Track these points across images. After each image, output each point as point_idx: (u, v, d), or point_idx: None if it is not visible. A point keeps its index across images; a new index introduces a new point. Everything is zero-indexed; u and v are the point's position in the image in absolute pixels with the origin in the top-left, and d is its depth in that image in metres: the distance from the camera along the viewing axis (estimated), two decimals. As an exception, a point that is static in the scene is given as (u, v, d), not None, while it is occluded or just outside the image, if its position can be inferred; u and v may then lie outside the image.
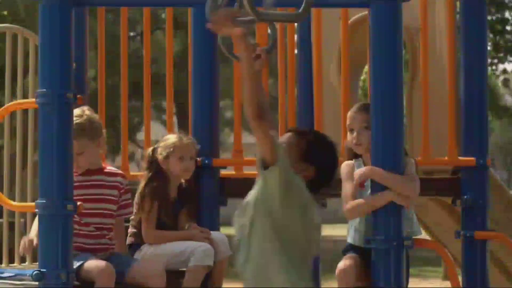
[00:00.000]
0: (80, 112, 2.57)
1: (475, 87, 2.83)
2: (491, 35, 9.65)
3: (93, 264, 2.42)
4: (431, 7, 3.11)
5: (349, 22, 2.98)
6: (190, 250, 2.54)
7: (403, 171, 2.39)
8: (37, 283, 2.27)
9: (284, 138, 2.00)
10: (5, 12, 8.58)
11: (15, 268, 2.71)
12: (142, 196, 2.62)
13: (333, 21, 3.28)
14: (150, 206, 2.59)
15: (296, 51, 3.22)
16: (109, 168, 2.67)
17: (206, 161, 2.72)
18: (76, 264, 2.41)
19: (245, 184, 3.01)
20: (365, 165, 2.49)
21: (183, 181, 2.69)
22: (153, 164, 2.67)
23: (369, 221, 2.44)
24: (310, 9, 1.76)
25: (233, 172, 2.98)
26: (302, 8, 1.75)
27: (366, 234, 2.47)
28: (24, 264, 2.83)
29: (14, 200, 2.64)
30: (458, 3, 2.97)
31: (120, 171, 2.71)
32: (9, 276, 2.41)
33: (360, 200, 2.42)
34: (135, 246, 2.66)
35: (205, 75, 2.76)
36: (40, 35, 2.33)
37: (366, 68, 3.57)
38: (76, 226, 2.47)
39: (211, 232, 2.65)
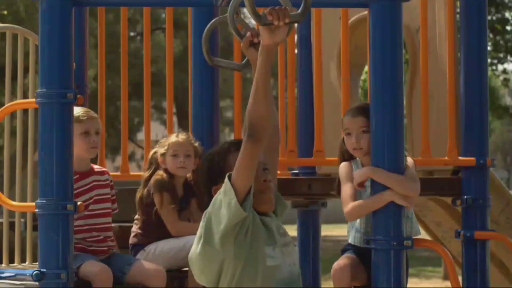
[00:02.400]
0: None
1: (475, 87, 2.82)
2: (491, 35, 9.65)
3: (91, 266, 2.42)
4: (431, 7, 3.11)
5: (349, 21, 2.98)
6: (190, 244, 2.54)
7: (404, 171, 2.40)
8: (37, 283, 2.27)
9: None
10: (5, 12, 8.58)
11: (15, 268, 2.70)
12: (147, 193, 2.62)
13: (333, 21, 3.27)
14: (161, 198, 2.59)
15: (296, 51, 3.22)
16: (96, 166, 2.67)
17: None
18: (75, 265, 2.40)
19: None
20: (363, 165, 2.49)
21: (187, 178, 2.68)
22: (153, 164, 2.69)
23: (370, 221, 2.43)
24: (308, 10, 1.77)
25: (233, 172, 2.97)
26: (301, 8, 1.75)
27: (366, 234, 2.47)
28: (24, 264, 2.83)
29: (14, 200, 2.64)
30: (458, 3, 2.97)
31: (104, 168, 2.72)
32: (9, 276, 2.41)
33: (360, 202, 2.41)
34: (138, 246, 2.66)
35: (205, 75, 2.76)
36: (40, 35, 2.32)
37: (366, 68, 3.57)
38: (79, 236, 2.46)
39: None
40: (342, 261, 2.48)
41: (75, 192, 2.43)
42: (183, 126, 11.19)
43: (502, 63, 10.36)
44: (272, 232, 1.82)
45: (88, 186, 2.55)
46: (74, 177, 2.48)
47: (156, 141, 2.82)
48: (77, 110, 2.53)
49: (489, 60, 7.39)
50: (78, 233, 2.47)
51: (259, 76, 1.74)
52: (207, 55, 2.03)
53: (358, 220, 2.52)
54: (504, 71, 10.71)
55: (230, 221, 1.76)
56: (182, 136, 2.67)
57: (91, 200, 2.54)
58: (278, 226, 1.86)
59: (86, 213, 2.50)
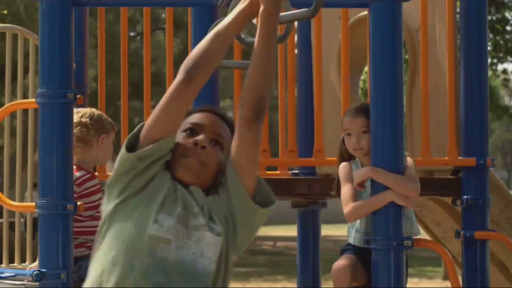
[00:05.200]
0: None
1: (475, 87, 2.81)
2: (491, 35, 9.64)
3: None
4: (431, 7, 3.10)
5: (349, 21, 2.97)
6: None
7: (404, 171, 2.40)
8: (37, 283, 2.27)
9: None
10: (5, 11, 8.57)
11: (15, 268, 2.70)
12: None
13: (333, 21, 3.27)
14: None
15: (296, 51, 3.22)
16: None
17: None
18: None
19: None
20: (363, 165, 2.49)
21: None
22: None
23: (370, 221, 2.43)
24: (321, 7, 1.74)
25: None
26: (313, 5, 1.73)
27: (366, 234, 2.46)
28: (24, 264, 2.82)
29: (14, 200, 2.64)
30: (458, 3, 2.97)
31: None
32: (9, 276, 2.40)
33: (360, 202, 2.41)
34: None
35: (205, 75, 2.75)
36: (40, 35, 2.32)
37: (366, 68, 3.57)
38: (92, 237, 2.45)
39: None
40: (342, 261, 2.47)
41: (89, 190, 2.44)
42: (183, 126, 11.17)
43: (502, 63, 10.35)
44: (176, 204, 1.42)
45: (98, 186, 2.55)
46: (88, 176, 2.48)
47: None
48: None
49: (489, 60, 7.38)
50: (91, 234, 2.46)
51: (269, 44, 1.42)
52: None
53: (358, 220, 2.51)
54: (504, 71, 10.70)
55: (118, 166, 1.42)
56: None
57: (100, 202, 2.53)
58: (196, 205, 1.43)
59: (97, 214, 2.50)
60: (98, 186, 2.55)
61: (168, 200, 1.43)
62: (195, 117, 1.53)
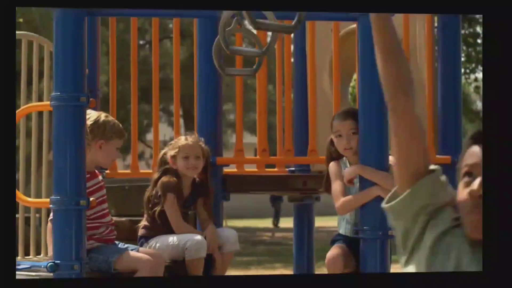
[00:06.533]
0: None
1: (451, 93, 2.81)
2: (464, 47, 9.68)
3: (135, 255, 2.34)
4: (412, 22, 3.10)
5: (340, 34, 2.95)
6: (183, 243, 2.48)
7: (389, 169, 2.36)
8: (51, 274, 2.20)
9: None
10: (21, 20, 8.45)
11: (31, 260, 2.63)
12: (155, 194, 2.54)
13: (325, 33, 3.25)
14: (165, 199, 2.50)
15: (292, 60, 3.19)
16: None
17: (211, 160, 2.66)
18: (108, 256, 2.31)
19: (246, 180, 2.95)
20: (350, 164, 2.48)
21: (195, 177, 2.60)
22: (163, 164, 2.61)
23: (359, 213, 2.43)
24: (301, 23, 1.71)
25: (235, 170, 2.94)
26: (294, 21, 1.70)
27: (356, 225, 2.46)
28: (39, 256, 2.75)
29: (29, 197, 2.57)
30: (436, 19, 2.95)
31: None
32: (25, 268, 2.35)
33: (350, 197, 2.42)
34: (146, 238, 2.58)
35: (209, 80, 2.71)
36: (55, 42, 2.26)
37: (355, 76, 3.53)
38: (97, 231, 2.38)
39: (223, 229, 2.62)
40: (334, 251, 2.47)
41: (89, 190, 2.35)
42: (189, 127, 11.15)
43: (474, 73, 10.39)
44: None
45: (97, 186, 2.44)
46: (86, 176, 2.39)
47: (164, 141, 2.75)
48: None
49: (462, 70, 7.38)
50: (93, 229, 2.37)
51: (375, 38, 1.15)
52: (219, 68, 1.93)
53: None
54: (476, 80, 10.74)
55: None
56: (191, 139, 2.58)
57: (101, 199, 2.43)
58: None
59: (101, 212, 2.40)
60: (101, 184, 2.44)
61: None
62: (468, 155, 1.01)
